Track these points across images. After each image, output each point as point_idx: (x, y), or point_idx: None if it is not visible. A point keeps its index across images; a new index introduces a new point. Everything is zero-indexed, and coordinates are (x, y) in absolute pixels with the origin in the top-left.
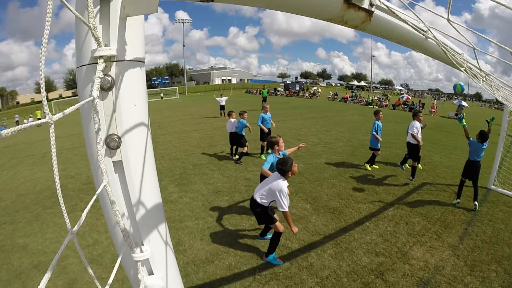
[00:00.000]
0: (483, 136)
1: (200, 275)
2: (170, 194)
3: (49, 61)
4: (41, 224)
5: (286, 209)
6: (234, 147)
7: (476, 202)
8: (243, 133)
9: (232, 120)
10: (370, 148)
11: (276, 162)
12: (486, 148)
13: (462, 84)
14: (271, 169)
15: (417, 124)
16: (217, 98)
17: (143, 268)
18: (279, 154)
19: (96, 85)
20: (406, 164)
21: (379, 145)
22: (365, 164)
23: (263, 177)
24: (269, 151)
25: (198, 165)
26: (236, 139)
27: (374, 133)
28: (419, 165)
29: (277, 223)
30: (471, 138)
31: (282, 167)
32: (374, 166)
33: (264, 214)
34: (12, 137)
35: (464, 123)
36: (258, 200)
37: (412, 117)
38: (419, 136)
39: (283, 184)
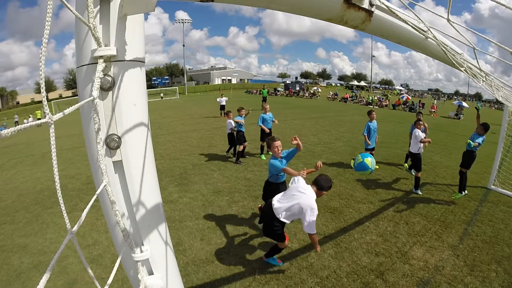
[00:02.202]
0: (487, 127)
1: (200, 275)
2: (170, 194)
3: (49, 61)
4: (41, 224)
5: (315, 231)
6: (233, 146)
7: (466, 191)
8: (243, 129)
9: (228, 121)
10: (365, 149)
11: (283, 164)
12: (486, 148)
13: (370, 167)
14: (274, 173)
15: (419, 133)
16: (217, 99)
17: (143, 268)
18: (281, 157)
19: (96, 85)
20: (406, 164)
21: (369, 146)
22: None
23: (269, 186)
24: (269, 152)
25: (198, 165)
26: (233, 138)
27: (365, 134)
28: None
29: (286, 242)
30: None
31: (325, 184)
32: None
33: (281, 232)
34: (12, 137)
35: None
36: (283, 218)
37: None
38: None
39: (314, 200)
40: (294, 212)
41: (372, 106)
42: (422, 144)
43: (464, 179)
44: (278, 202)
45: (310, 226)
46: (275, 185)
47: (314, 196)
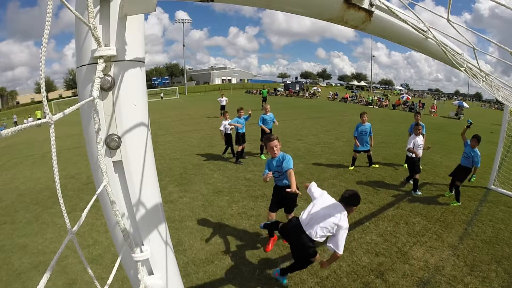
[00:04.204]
0: (480, 139)
1: (200, 275)
2: (170, 194)
3: (49, 61)
4: (41, 224)
5: (342, 253)
6: (229, 147)
7: (460, 201)
8: (243, 130)
9: (224, 122)
10: (354, 150)
11: (271, 164)
12: (486, 148)
13: None
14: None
15: (411, 140)
16: (218, 99)
17: (143, 268)
18: (275, 157)
19: (96, 85)
20: (405, 165)
21: (358, 148)
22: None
23: (277, 191)
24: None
25: (198, 165)
26: (229, 139)
27: (355, 136)
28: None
29: (318, 256)
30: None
31: (355, 200)
32: (374, 165)
33: (314, 250)
34: (12, 137)
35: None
36: (317, 238)
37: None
38: (418, 148)
39: (347, 217)
40: (328, 230)
41: (372, 106)
42: (419, 150)
43: (459, 191)
44: (309, 222)
45: (341, 245)
46: (276, 188)
47: (346, 213)
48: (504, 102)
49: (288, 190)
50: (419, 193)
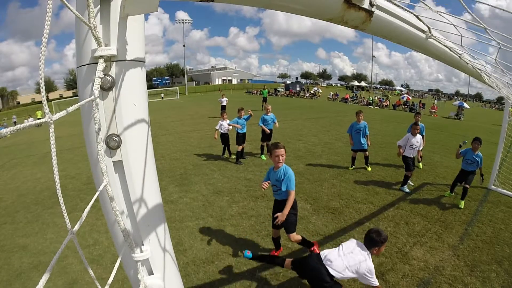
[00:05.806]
0: (481, 141)
1: (200, 275)
2: (171, 194)
3: (49, 61)
4: (42, 224)
5: (377, 283)
6: (226, 147)
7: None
8: (244, 131)
9: (221, 122)
10: (351, 149)
11: (272, 176)
12: (487, 148)
13: None
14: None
15: (404, 138)
16: (218, 99)
17: (143, 268)
18: (277, 168)
19: (96, 85)
20: (420, 164)
21: (352, 147)
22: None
23: (274, 205)
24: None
25: (198, 165)
26: (225, 138)
27: (349, 133)
28: (420, 164)
29: None
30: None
31: (376, 237)
32: (366, 167)
33: (332, 283)
34: (13, 137)
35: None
36: (339, 276)
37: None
38: (410, 148)
39: (371, 262)
40: (350, 274)
41: (372, 107)
42: (411, 150)
43: (466, 192)
44: (333, 261)
45: (374, 281)
46: (274, 202)
47: (370, 258)
48: (506, 98)
49: (275, 215)
50: (407, 190)
